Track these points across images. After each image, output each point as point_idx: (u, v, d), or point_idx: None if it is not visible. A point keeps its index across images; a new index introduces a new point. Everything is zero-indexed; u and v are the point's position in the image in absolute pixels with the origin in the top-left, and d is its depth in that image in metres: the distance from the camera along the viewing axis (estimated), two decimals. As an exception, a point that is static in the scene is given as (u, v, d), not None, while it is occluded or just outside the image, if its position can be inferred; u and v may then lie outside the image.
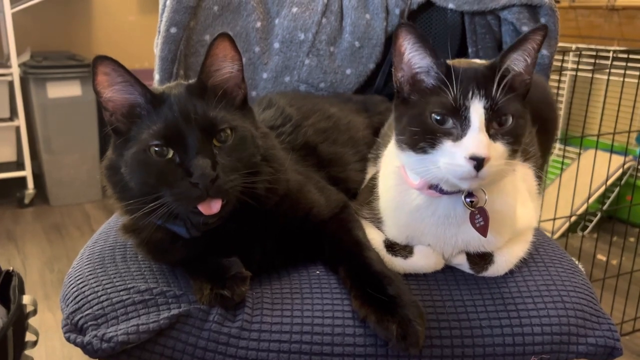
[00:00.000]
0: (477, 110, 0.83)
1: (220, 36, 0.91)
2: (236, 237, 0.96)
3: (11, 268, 1.20)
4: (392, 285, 0.88)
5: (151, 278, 0.95)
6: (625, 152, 2.40)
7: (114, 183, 0.93)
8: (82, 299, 0.91)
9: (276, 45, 1.52)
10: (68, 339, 0.86)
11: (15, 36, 3.08)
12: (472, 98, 0.84)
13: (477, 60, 1.32)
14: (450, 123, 0.84)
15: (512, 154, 0.86)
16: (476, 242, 0.95)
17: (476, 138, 0.82)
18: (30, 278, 2.52)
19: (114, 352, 0.82)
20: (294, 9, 1.52)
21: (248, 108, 1.00)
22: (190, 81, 0.97)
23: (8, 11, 3.04)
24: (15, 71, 3.13)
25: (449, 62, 0.91)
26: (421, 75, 0.89)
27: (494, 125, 0.84)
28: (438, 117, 0.84)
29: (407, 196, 0.95)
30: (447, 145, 0.83)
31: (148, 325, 0.84)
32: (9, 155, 3.36)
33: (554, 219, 2.12)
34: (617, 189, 2.93)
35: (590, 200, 2.83)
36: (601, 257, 2.51)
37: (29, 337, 1.19)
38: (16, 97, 3.16)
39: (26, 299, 1.18)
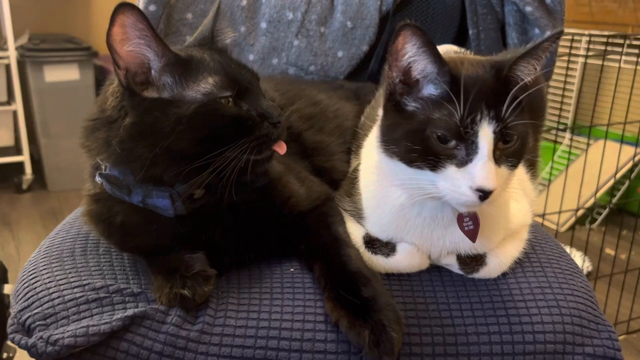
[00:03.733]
0: (486, 136, 0.74)
1: None
2: (212, 224, 0.89)
3: (-6, 257, 1.15)
4: (367, 287, 0.80)
5: (110, 274, 0.88)
6: (636, 143, 2.30)
7: (150, 146, 0.82)
8: (32, 295, 0.84)
9: (263, 25, 1.43)
10: (12, 340, 0.78)
11: (12, 18, 3.01)
12: (480, 121, 0.74)
13: (455, 48, 1.23)
14: (453, 143, 0.75)
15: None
16: (466, 244, 0.87)
17: (484, 169, 0.73)
18: (24, 263, 2.46)
19: (59, 356, 0.74)
20: (282, -14, 1.42)
21: None
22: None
23: (6, -7, 2.98)
24: (12, 54, 3.07)
25: (447, 56, 0.81)
26: (422, 82, 0.78)
27: (500, 145, 0.76)
28: (440, 136, 0.75)
29: (390, 194, 0.87)
30: (451, 170, 0.75)
31: (99, 327, 0.76)
32: (7, 140, 3.32)
33: (560, 212, 2.04)
34: (627, 181, 2.83)
35: (599, 193, 2.74)
36: (609, 251, 2.43)
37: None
38: (13, 80, 3.11)
39: (7, 289, 1.14)
